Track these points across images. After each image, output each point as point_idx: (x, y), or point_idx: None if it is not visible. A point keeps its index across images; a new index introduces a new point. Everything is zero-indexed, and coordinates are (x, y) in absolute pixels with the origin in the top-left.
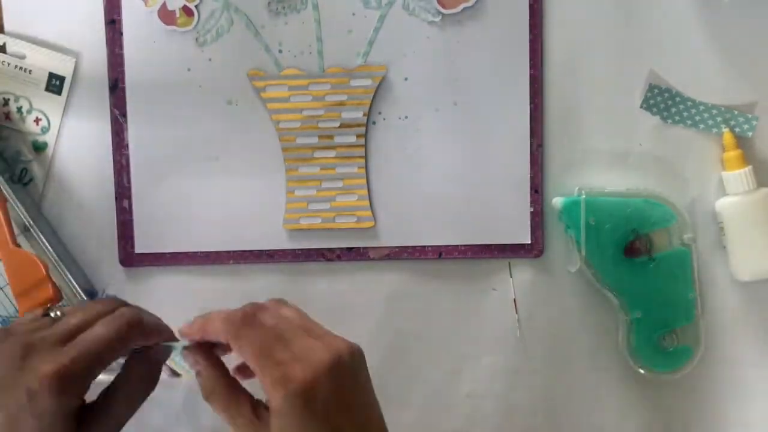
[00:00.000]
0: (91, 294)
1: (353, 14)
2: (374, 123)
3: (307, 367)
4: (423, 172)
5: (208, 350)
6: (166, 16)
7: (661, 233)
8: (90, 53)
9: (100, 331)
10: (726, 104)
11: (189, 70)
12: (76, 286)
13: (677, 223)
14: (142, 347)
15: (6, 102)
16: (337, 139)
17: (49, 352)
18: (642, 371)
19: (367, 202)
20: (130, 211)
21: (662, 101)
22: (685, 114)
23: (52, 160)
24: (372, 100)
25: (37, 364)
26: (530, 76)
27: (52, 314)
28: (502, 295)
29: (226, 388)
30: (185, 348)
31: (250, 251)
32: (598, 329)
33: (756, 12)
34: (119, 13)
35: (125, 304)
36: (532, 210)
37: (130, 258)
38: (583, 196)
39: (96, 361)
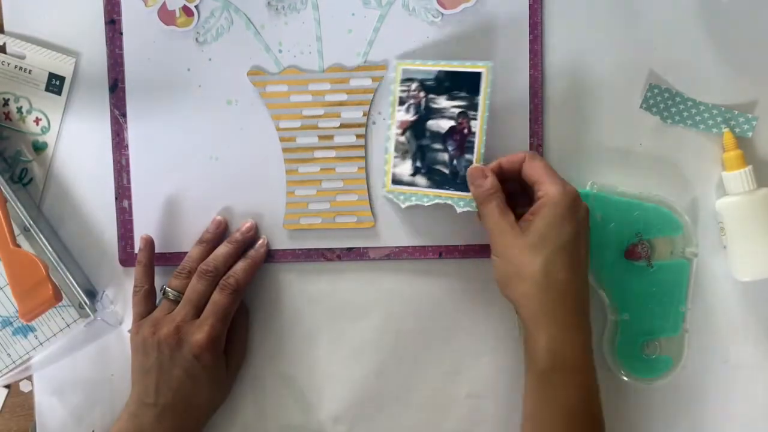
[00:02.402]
0: (91, 294)
1: (353, 14)
2: (374, 123)
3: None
4: None
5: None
6: (165, 16)
7: (664, 241)
8: (90, 53)
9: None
10: (726, 104)
11: (189, 69)
12: (76, 286)
13: (682, 235)
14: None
15: (6, 102)
16: (337, 139)
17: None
18: (622, 375)
19: (367, 202)
20: (130, 211)
21: (662, 101)
22: (685, 114)
23: (52, 160)
24: (372, 100)
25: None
26: (530, 76)
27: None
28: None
29: (501, 199)
30: (472, 167)
31: None
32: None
33: (756, 12)
34: (119, 13)
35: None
36: None
37: (130, 258)
38: (595, 191)
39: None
